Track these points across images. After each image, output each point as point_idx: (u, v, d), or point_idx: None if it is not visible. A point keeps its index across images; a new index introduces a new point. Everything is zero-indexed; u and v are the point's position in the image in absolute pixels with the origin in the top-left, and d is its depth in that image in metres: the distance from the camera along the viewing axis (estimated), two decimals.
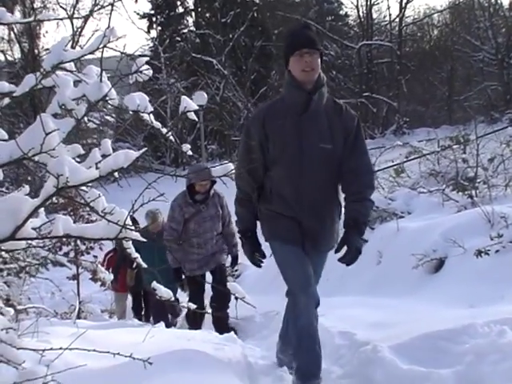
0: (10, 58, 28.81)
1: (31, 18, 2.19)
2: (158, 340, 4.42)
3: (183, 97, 1.96)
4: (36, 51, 27.20)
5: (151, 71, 2.36)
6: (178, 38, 32.73)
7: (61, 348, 2.17)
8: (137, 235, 1.91)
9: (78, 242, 9.76)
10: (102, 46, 1.95)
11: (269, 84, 31.39)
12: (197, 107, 1.96)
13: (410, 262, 7.24)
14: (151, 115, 2.11)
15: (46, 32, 29.24)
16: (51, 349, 2.14)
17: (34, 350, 2.03)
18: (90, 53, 1.96)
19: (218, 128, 30.77)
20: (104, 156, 1.86)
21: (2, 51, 27.96)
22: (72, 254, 10.22)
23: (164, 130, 2.20)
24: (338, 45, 34.57)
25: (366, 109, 33.23)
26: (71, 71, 2.00)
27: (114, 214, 1.96)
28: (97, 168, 1.81)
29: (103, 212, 2.03)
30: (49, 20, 1.99)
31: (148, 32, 33.12)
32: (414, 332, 4.49)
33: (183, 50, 31.10)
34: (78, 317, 8.78)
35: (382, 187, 10.29)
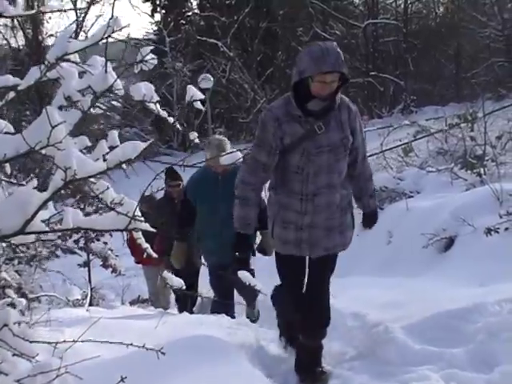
0: (13, 45, 28.81)
1: (34, 11, 2.18)
2: (171, 326, 4.44)
3: (189, 86, 1.96)
4: (40, 38, 27.17)
5: (156, 60, 2.36)
6: (183, 21, 32.58)
7: (73, 341, 2.19)
8: (147, 226, 1.91)
9: None
10: (105, 36, 1.95)
11: (275, 65, 31.21)
12: (202, 96, 1.96)
13: (420, 242, 7.25)
14: (157, 104, 2.11)
15: (50, 18, 29.05)
16: (64, 341, 2.16)
17: (46, 342, 2.05)
18: (94, 43, 1.96)
19: (225, 111, 30.70)
20: (111, 148, 1.86)
21: (6, 39, 27.98)
22: (82, 242, 10.25)
23: (171, 119, 2.20)
24: (344, 24, 34.31)
25: (372, 88, 33.03)
26: (76, 62, 2.00)
27: (124, 204, 1.97)
28: (104, 160, 1.81)
29: (112, 203, 2.04)
30: (51, 11, 1.98)
31: (152, 16, 32.97)
32: (425, 312, 4.52)
33: (188, 33, 30.98)
34: (90, 303, 8.82)
35: (390, 167, 10.26)
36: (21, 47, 28.28)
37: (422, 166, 9.56)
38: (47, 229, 1.87)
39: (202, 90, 19.11)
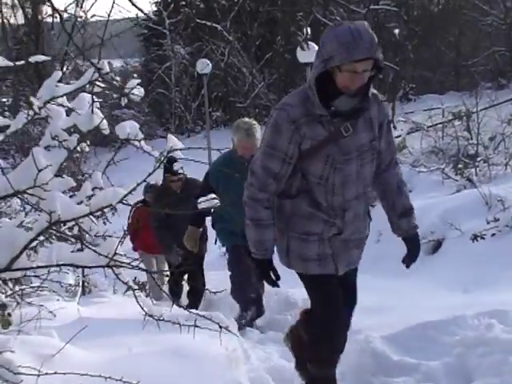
0: (12, 22, 28.69)
1: None
2: (156, 328, 4.53)
3: (169, 135, 2.03)
4: (40, 17, 27.05)
5: (143, 91, 2.43)
6: (183, 3, 32.46)
7: (55, 372, 2.28)
8: (127, 266, 2.00)
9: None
10: (92, 80, 2.02)
11: (274, 49, 31.13)
12: (182, 145, 2.04)
13: None
14: (142, 141, 2.19)
15: None
16: (46, 373, 2.26)
17: (30, 374, 2.14)
18: (80, 87, 2.04)
19: (223, 94, 30.69)
20: (94, 189, 1.95)
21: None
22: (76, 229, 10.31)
23: (156, 153, 2.27)
24: (345, 9, 34.19)
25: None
26: (63, 105, 2.08)
27: (106, 240, 2.06)
28: (87, 204, 1.90)
29: (96, 235, 2.13)
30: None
31: None
32: (406, 321, 4.61)
33: (188, 15, 30.87)
34: (83, 291, 8.89)
35: None
36: (20, 27, 28.18)
37: (414, 163, 9.65)
38: (33, 265, 1.96)
39: (200, 75, 18.68)
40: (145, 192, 7.67)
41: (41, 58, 2.15)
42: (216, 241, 5.82)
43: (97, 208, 1.90)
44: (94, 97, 2.08)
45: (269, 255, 3.31)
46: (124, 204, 1.89)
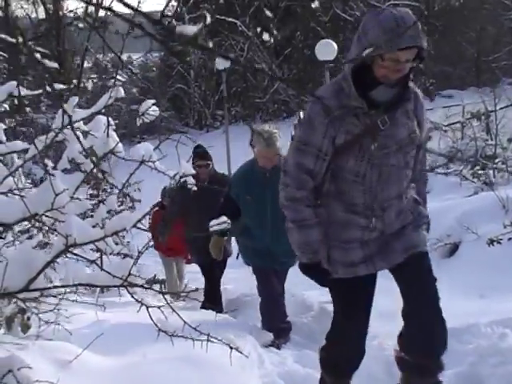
0: (34, 16, 28.94)
1: None
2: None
3: (182, 161, 2.08)
4: (60, 13, 27.24)
5: (158, 112, 2.48)
6: None
7: None
8: (142, 282, 2.06)
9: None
10: (109, 103, 2.08)
11: (293, 45, 31.09)
12: (194, 172, 2.08)
13: None
14: (157, 162, 2.24)
15: None
16: None
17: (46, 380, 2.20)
18: (97, 112, 2.09)
19: (242, 90, 30.70)
20: (109, 211, 2.01)
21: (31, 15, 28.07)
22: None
23: (171, 173, 2.31)
24: (365, 4, 34.02)
25: None
26: (80, 130, 2.14)
27: (121, 261, 2.11)
28: (102, 227, 1.96)
29: (111, 253, 2.18)
30: None
31: None
32: None
33: (207, 10, 30.89)
34: (101, 289, 8.95)
35: None
36: (40, 22, 28.39)
37: (431, 165, 9.63)
38: (50, 285, 2.02)
39: (219, 71, 18.56)
40: (162, 195, 7.75)
41: (59, 86, 2.22)
42: (238, 255, 5.72)
43: (111, 232, 1.95)
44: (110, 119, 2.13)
45: (317, 258, 3.15)
46: (138, 228, 1.95)
